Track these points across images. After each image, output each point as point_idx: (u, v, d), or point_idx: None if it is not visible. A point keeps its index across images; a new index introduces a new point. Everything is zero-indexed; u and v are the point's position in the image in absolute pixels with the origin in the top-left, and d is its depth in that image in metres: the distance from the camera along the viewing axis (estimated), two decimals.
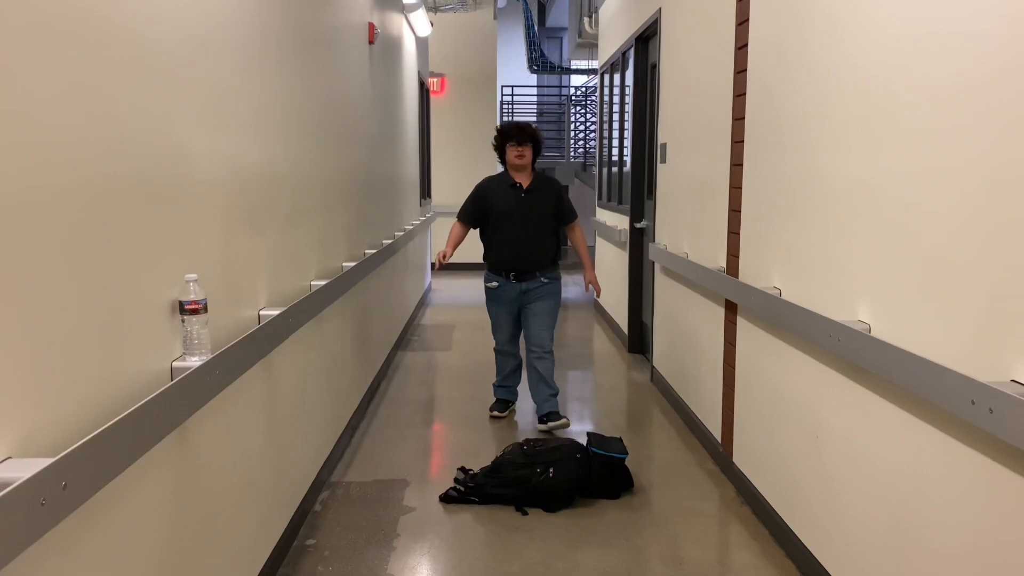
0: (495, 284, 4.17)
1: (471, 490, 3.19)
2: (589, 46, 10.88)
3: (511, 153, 4.09)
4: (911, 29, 1.91)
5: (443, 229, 10.25)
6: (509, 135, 4.12)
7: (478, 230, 4.23)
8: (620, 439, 3.40)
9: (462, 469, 3.35)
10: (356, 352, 4.11)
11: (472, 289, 9.15)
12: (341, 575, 2.61)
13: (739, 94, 3.19)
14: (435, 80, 10.10)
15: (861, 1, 2.17)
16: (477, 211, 4.16)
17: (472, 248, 11.30)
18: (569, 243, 4.41)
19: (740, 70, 3.18)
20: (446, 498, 3.19)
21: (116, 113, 1.52)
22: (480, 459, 3.47)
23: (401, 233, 5.71)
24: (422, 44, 7.82)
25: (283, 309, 2.45)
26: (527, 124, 4.22)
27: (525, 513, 3.08)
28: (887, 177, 2.03)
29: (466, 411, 4.39)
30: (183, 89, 1.84)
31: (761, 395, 3.01)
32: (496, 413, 4.27)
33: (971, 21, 1.68)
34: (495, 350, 4.35)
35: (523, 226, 4.06)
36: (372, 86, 4.62)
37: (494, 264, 4.15)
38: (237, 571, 2.23)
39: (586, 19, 9.60)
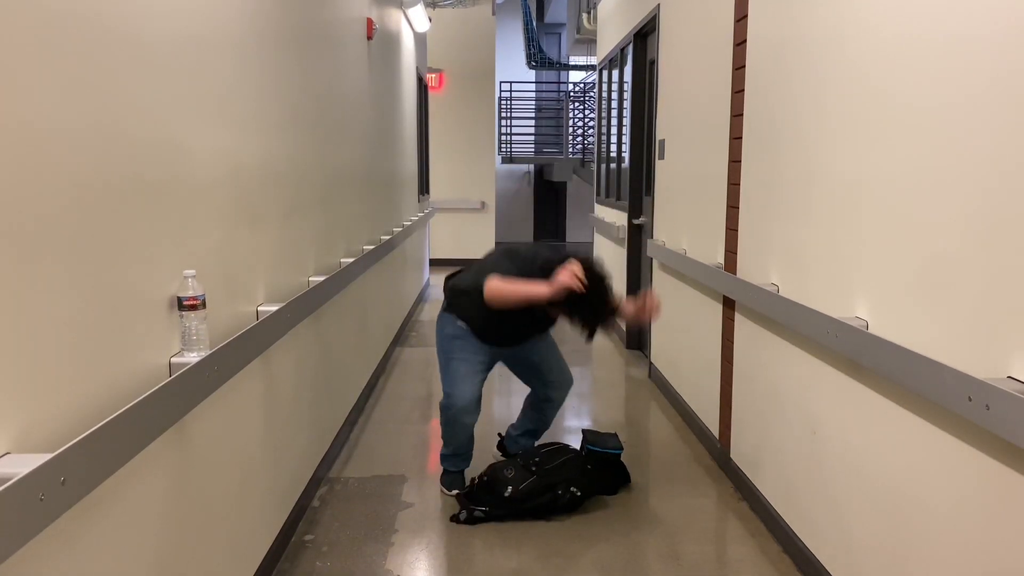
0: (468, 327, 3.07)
1: (488, 515, 2.99)
2: (588, 42, 10.88)
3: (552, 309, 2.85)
4: (909, 28, 1.91)
5: (442, 226, 10.32)
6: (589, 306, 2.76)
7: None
8: (615, 435, 3.39)
9: (466, 497, 3.04)
10: (354, 348, 4.11)
11: None
12: (339, 570, 2.62)
13: (737, 90, 3.19)
14: (433, 76, 10.09)
15: None
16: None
17: (470, 244, 11.28)
18: None
19: (739, 66, 3.18)
20: (456, 520, 3.00)
21: (114, 109, 1.52)
22: (479, 455, 3.44)
23: (400, 229, 5.71)
24: (420, 40, 7.81)
25: (281, 305, 2.45)
26: (607, 297, 2.80)
27: (548, 519, 2.99)
28: (885, 174, 2.03)
29: None
30: (181, 86, 1.84)
31: (759, 391, 3.01)
32: (456, 492, 3.14)
33: (969, 21, 1.68)
34: (450, 413, 3.06)
35: (535, 327, 3.12)
36: (370, 82, 4.61)
37: (475, 331, 3.06)
38: (235, 566, 2.24)
39: (585, 15, 9.60)
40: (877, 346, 1.96)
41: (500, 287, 2.77)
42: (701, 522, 3.00)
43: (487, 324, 2.99)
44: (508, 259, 2.98)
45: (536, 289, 2.72)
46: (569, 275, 2.69)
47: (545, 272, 2.80)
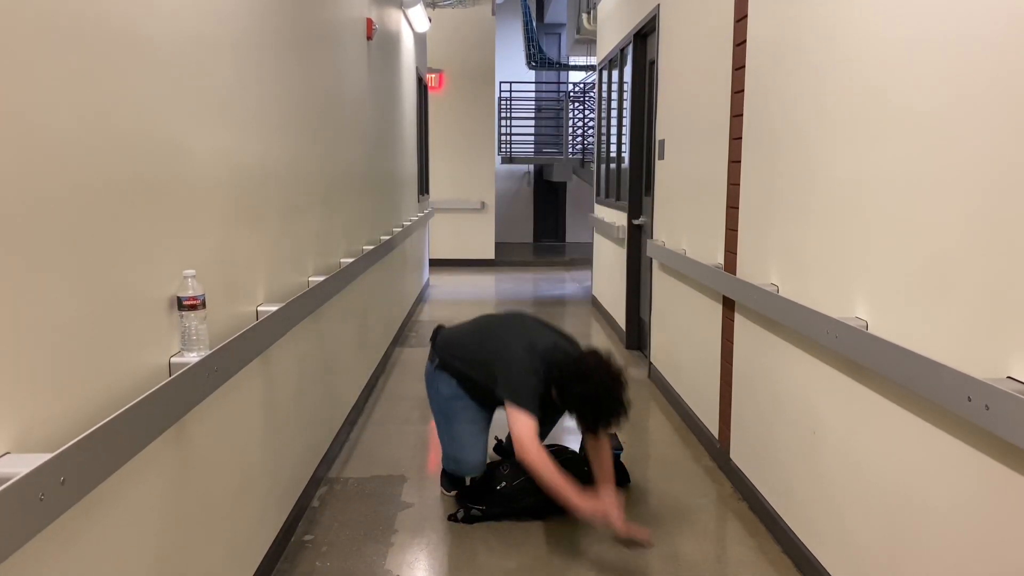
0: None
1: (485, 514, 3.00)
2: (587, 42, 10.87)
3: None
4: (908, 28, 1.91)
5: (442, 226, 10.32)
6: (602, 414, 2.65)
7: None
8: (615, 435, 3.39)
9: (463, 496, 3.08)
10: (354, 348, 4.11)
11: (470, 285, 9.16)
12: (339, 570, 2.62)
13: (737, 91, 3.20)
14: (433, 76, 10.09)
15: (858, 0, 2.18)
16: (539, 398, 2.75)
17: (470, 244, 11.26)
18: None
19: (738, 67, 3.18)
20: (454, 519, 3.02)
21: (114, 109, 1.52)
22: None
23: (399, 229, 5.71)
24: (420, 40, 7.81)
25: (281, 305, 2.45)
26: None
27: (547, 519, 2.98)
28: (885, 174, 2.03)
29: None
30: (181, 85, 1.84)
31: (758, 392, 3.01)
32: (455, 492, 3.14)
33: (969, 22, 1.68)
34: (458, 474, 3.05)
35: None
36: (370, 82, 4.61)
37: (475, 398, 3.01)
38: (235, 566, 2.24)
39: (584, 15, 9.60)
40: (877, 346, 1.96)
41: (537, 465, 2.59)
42: (701, 522, 3.00)
43: (489, 398, 2.90)
44: (528, 366, 2.71)
45: (572, 500, 2.55)
46: (611, 517, 2.56)
47: (564, 371, 2.67)
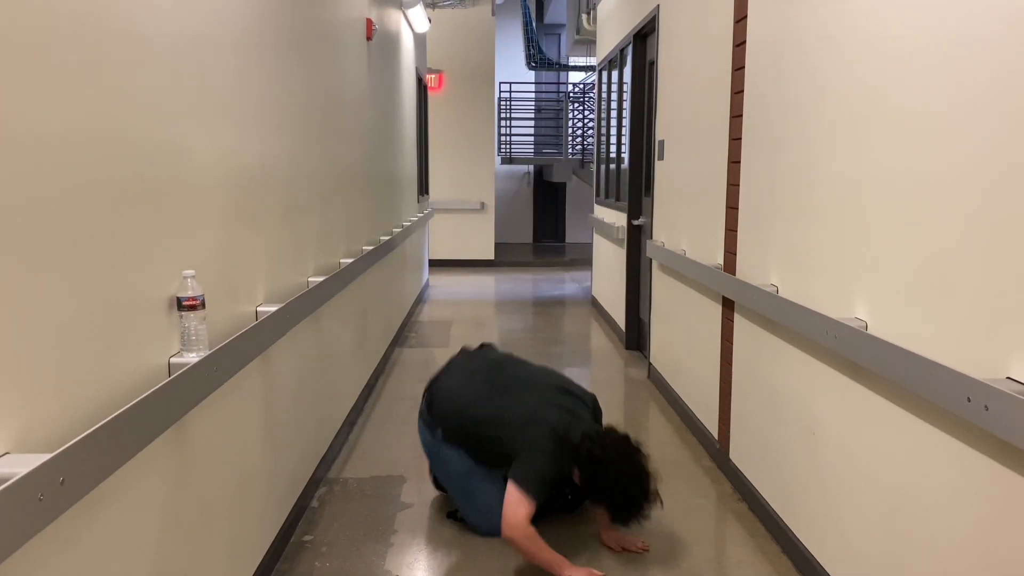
0: None
1: None
2: (587, 43, 10.88)
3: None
4: (908, 28, 1.92)
5: (442, 226, 10.33)
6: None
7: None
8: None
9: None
10: (354, 348, 4.11)
11: (470, 285, 9.16)
12: (339, 571, 2.62)
13: (737, 91, 3.20)
14: (433, 76, 10.09)
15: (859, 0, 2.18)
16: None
17: (470, 244, 11.26)
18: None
19: (738, 67, 3.18)
20: (453, 517, 3.01)
21: (114, 110, 1.52)
22: None
23: (399, 229, 5.71)
24: (420, 40, 7.81)
25: (281, 305, 2.45)
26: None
27: (547, 519, 2.87)
28: (884, 174, 2.03)
29: None
30: (180, 86, 1.84)
31: (758, 392, 3.02)
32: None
33: (969, 22, 1.68)
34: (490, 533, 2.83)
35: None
36: (370, 82, 4.61)
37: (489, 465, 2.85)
38: (234, 566, 2.24)
39: (584, 16, 9.60)
40: (876, 347, 1.96)
41: (523, 545, 2.51)
42: (700, 522, 3.01)
43: (503, 463, 2.73)
44: (553, 459, 2.60)
45: (561, 572, 2.50)
46: None
47: (594, 466, 2.58)
